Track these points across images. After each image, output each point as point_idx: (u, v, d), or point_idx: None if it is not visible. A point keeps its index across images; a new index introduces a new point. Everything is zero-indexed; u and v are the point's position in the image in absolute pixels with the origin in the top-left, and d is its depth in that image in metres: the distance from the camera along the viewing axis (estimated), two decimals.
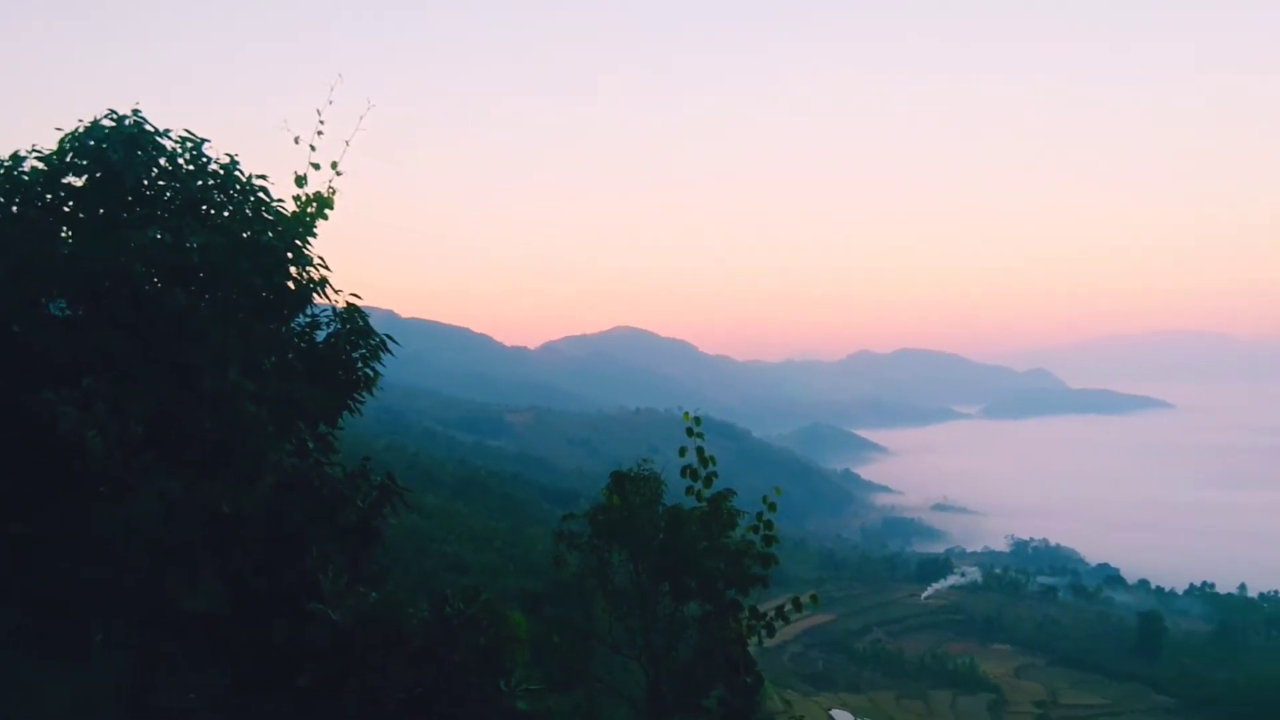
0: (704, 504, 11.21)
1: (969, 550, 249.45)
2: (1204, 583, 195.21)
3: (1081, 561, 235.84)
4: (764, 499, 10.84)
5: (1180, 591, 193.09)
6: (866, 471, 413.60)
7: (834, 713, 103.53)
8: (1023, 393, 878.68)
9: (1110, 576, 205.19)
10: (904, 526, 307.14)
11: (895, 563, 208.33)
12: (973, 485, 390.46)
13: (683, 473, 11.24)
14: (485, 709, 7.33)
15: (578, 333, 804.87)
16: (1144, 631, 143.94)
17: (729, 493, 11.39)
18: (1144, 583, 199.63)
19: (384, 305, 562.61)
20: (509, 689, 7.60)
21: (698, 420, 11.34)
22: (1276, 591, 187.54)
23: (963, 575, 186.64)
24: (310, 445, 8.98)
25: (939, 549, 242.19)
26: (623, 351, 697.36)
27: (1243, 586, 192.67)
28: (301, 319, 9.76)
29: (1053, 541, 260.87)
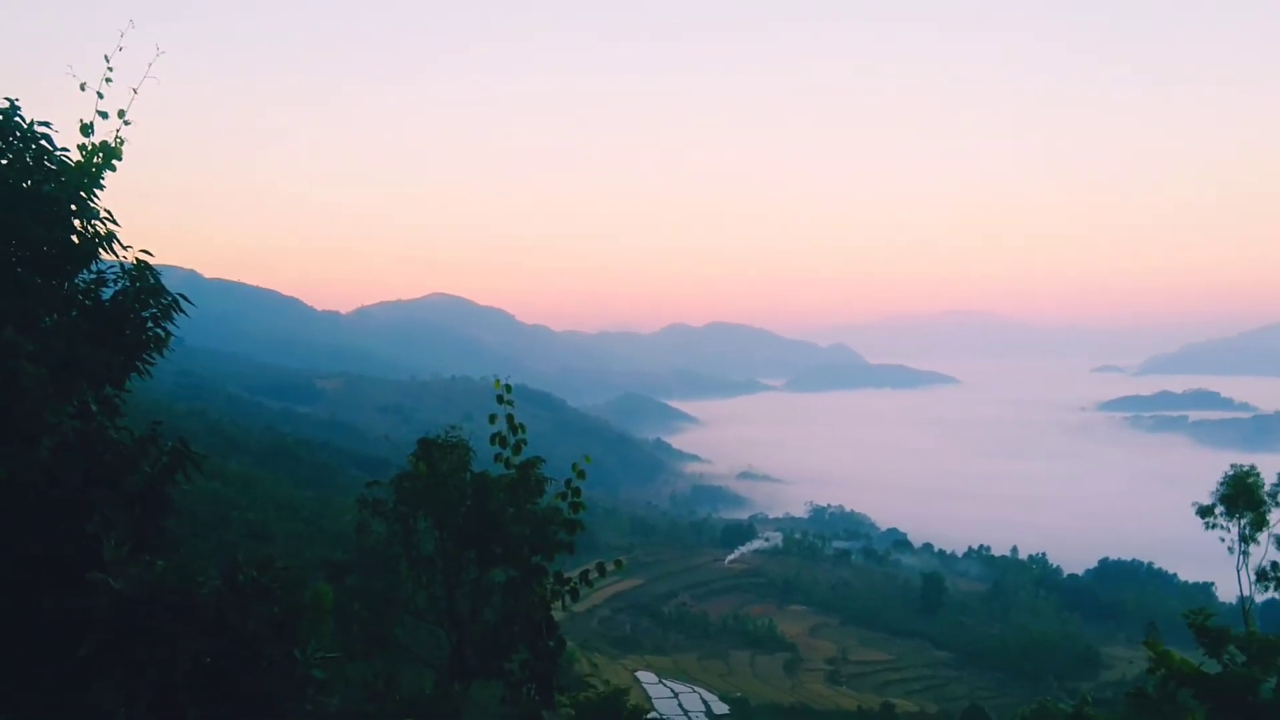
0: (513, 471, 11.28)
1: (771, 516, 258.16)
2: (981, 546, 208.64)
3: (874, 526, 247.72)
4: (573, 466, 11.01)
5: (960, 554, 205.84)
6: (678, 441, 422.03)
7: (639, 674, 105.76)
8: (825, 367, 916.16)
9: (899, 540, 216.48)
10: (712, 494, 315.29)
11: (702, 529, 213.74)
12: (777, 454, 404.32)
13: (492, 440, 11.27)
14: (279, 678, 7.19)
15: (392, 298, 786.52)
16: (926, 591, 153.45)
17: (538, 460, 11.50)
18: (928, 546, 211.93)
19: (186, 264, 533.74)
20: (304, 658, 7.47)
21: (509, 388, 11.38)
22: (1044, 553, 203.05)
23: (766, 540, 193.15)
24: (94, 408, 8.50)
25: (744, 515, 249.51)
26: (439, 318, 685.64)
27: (1014, 549, 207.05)
28: (86, 275, 9.20)
29: (848, 508, 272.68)
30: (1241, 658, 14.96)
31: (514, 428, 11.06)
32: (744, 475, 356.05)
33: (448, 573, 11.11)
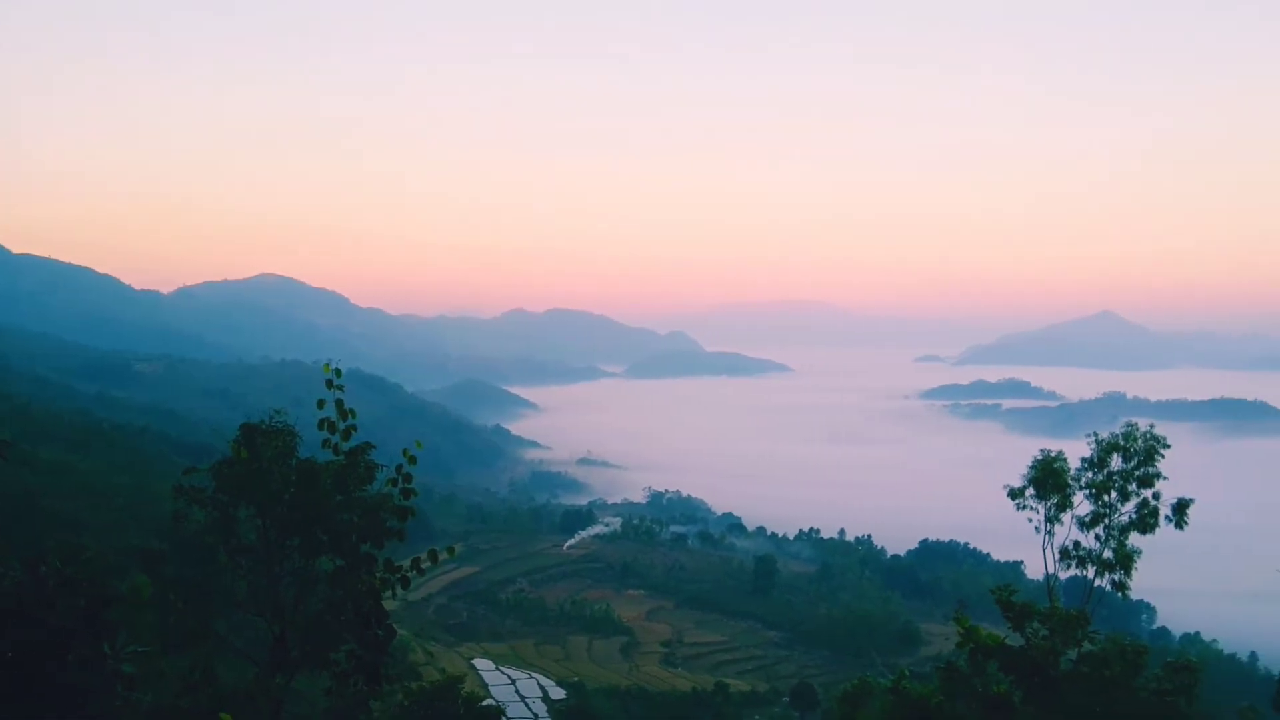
0: (341, 457, 11.03)
1: (610, 502, 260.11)
2: (811, 528, 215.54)
3: (710, 511, 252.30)
4: (404, 452, 10.83)
5: (792, 537, 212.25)
6: (517, 427, 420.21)
7: (475, 662, 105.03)
8: (664, 354, 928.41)
9: (733, 524, 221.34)
10: (551, 480, 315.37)
11: (541, 515, 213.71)
12: (616, 441, 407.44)
13: (320, 425, 10.98)
14: (86, 672, 6.86)
15: (218, 278, 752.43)
16: (759, 573, 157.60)
17: (367, 446, 11.27)
18: (762, 529, 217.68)
19: None
20: (113, 651, 7.14)
21: (338, 372, 11.11)
22: (869, 535, 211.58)
23: (606, 526, 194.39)
24: None
25: (583, 501, 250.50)
26: (269, 300, 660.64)
27: (842, 531, 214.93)
28: None
29: (685, 493, 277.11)
30: (1044, 631, 16.00)
31: (343, 413, 10.81)
32: (584, 462, 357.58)
33: (269, 562, 10.79)
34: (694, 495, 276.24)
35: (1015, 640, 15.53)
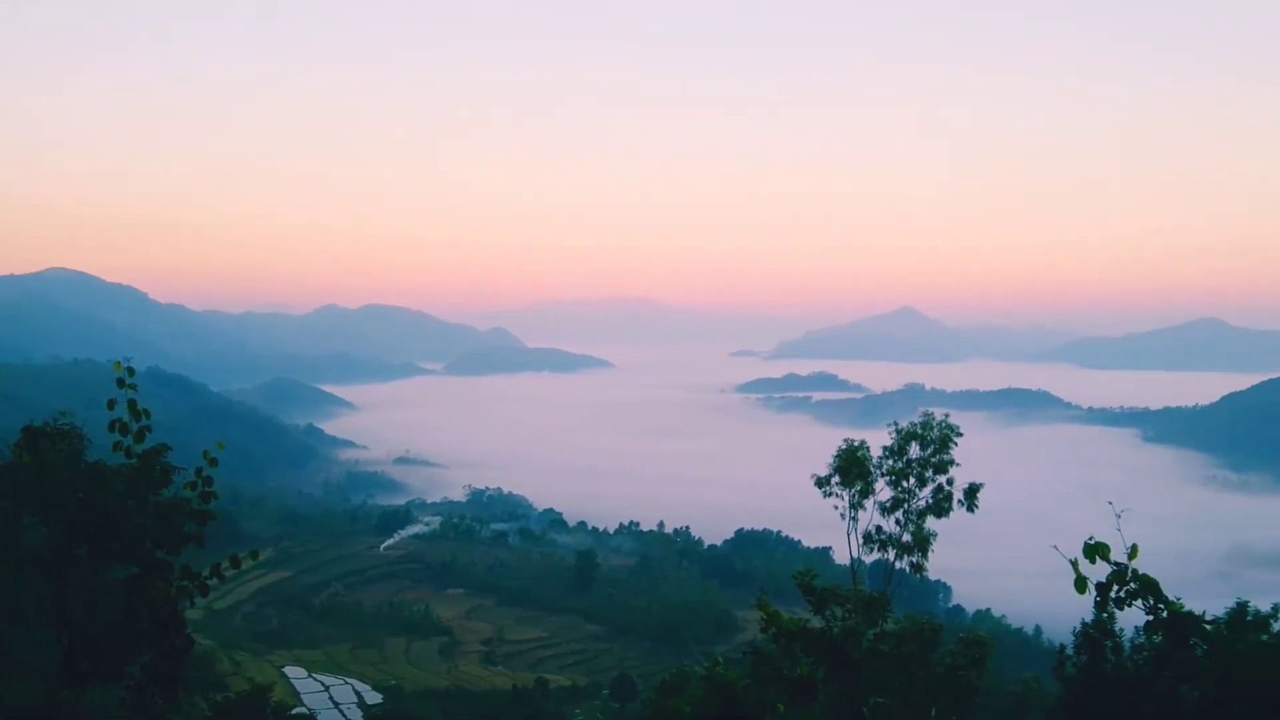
0: (134, 460, 10.48)
1: (429, 501, 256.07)
2: (632, 522, 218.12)
3: (531, 507, 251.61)
4: (205, 454, 10.38)
5: (613, 531, 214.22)
6: (331, 427, 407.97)
7: (287, 670, 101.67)
8: (484, 351, 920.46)
9: (555, 520, 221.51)
10: (367, 480, 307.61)
11: (357, 516, 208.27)
12: (435, 439, 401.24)
13: (110, 427, 10.40)
14: None
15: (3, 272, 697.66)
16: (579, 568, 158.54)
17: (163, 448, 10.73)
18: (583, 524, 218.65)
19: None
20: None
21: (131, 370, 10.53)
22: (688, 527, 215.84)
23: (425, 525, 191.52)
24: None
25: (401, 501, 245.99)
26: (59, 296, 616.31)
27: (662, 524, 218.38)
28: None
29: (506, 490, 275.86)
30: (840, 612, 16.78)
31: (136, 414, 10.25)
32: (401, 460, 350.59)
33: (56, 571, 10.15)
34: (515, 492, 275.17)
35: (818, 623, 16.21)
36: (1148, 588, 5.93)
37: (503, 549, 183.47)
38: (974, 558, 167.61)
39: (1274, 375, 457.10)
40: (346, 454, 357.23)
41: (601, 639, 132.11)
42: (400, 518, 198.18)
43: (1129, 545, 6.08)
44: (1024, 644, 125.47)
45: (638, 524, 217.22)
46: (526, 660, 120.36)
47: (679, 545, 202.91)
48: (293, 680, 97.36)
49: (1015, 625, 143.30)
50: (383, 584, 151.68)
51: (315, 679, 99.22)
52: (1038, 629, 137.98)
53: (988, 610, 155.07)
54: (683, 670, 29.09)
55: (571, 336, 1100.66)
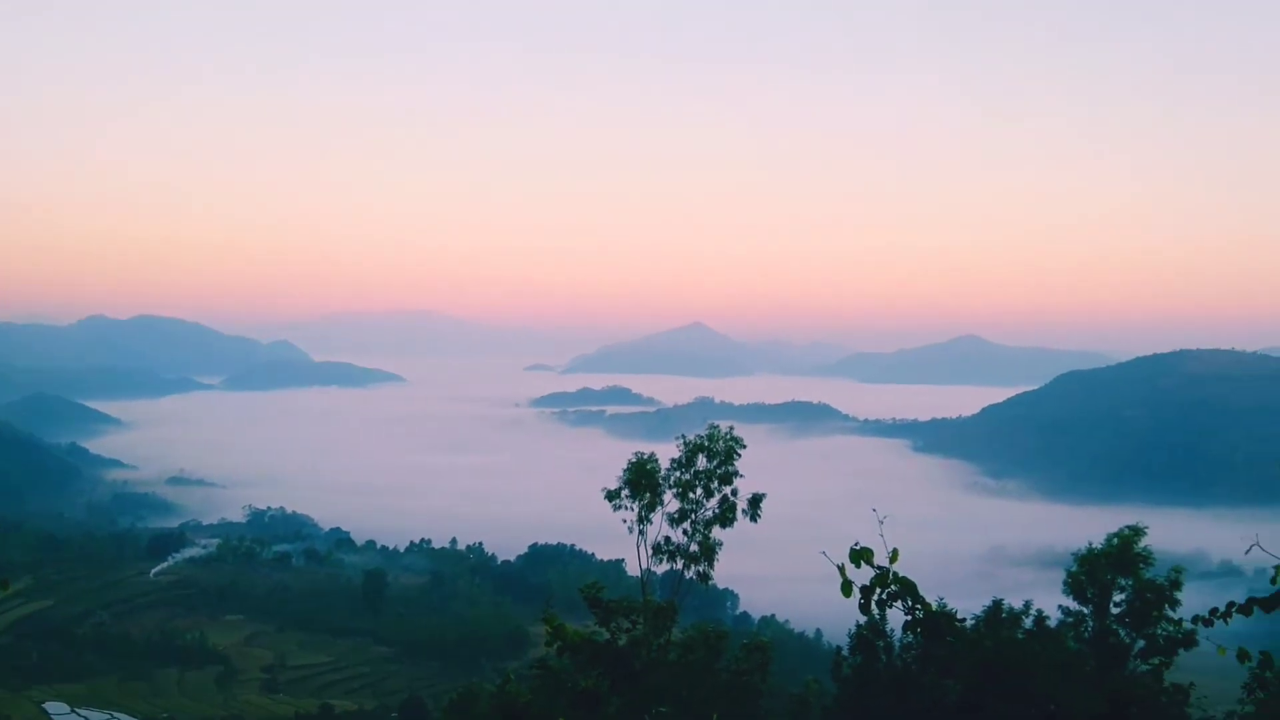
0: None
1: (206, 523, 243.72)
2: (423, 539, 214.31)
3: (317, 527, 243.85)
4: None
5: (403, 549, 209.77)
6: (97, 445, 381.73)
7: (47, 706, 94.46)
8: (267, 364, 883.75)
9: (341, 540, 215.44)
10: (136, 502, 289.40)
11: (125, 540, 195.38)
12: (213, 458, 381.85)
13: None
14: None
15: None
16: (368, 589, 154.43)
17: None
18: (372, 543, 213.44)
19: None
20: None
21: None
22: (480, 543, 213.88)
23: (203, 548, 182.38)
24: None
25: (174, 523, 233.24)
26: None
27: (454, 540, 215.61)
28: None
29: (290, 510, 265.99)
30: (625, 623, 17.05)
31: None
32: (175, 480, 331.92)
33: None
34: (300, 511, 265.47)
35: (604, 635, 16.43)
36: (906, 590, 6.32)
37: (286, 571, 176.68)
38: (759, 565, 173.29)
39: (1026, 389, 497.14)
40: (114, 474, 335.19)
41: (391, 660, 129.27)
42: (173, 541, 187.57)
43: (891, 550, 6.45)
44: (806, 647, 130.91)
45: (429, 541, 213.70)
46: (311, 686, 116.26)
47: (472, 562, 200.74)
48: (54, 716, 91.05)
49: (798, 629, 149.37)
50: (153, 612, 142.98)
51: (79, 714, 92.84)
52: (818, 632, 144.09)
53: (772, 616, 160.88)
54: (472, 688, 28.84)
55: (361, 350, 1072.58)
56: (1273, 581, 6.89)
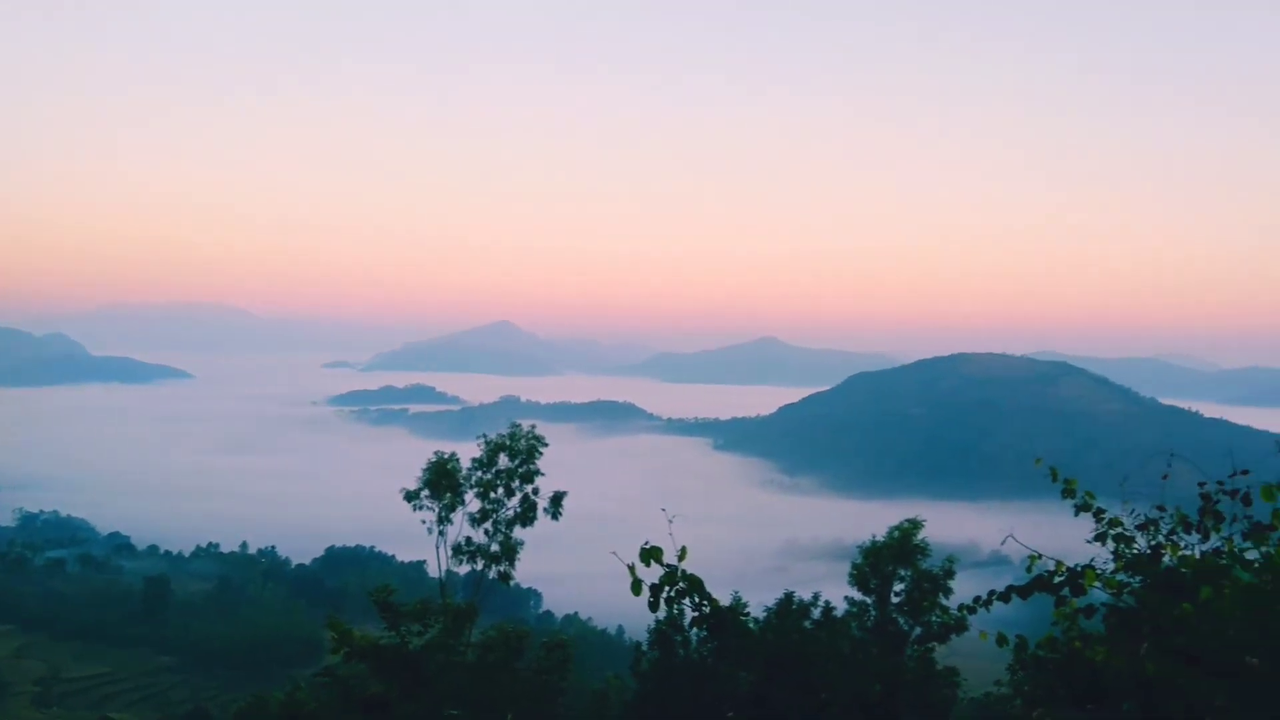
0: None
1: None
2: (211, 544, 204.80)
3: (94, 531, 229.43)
4: None
5: (189, 554, 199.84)
6: None
7: None
8: (39, 358, 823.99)
9: (121, 544, 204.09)
10: None
11: None
12: None
13: None
14: None
15: None
16: (149, 596, 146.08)
17: None
18: (154, 548, 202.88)
19: None
20: None
21: None
22: (274, 547, 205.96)
23: None
24: None
25: None
26: None
27: (245, 544, 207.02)
28: None
29: (64, 513, 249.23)
30: (417, 627, 16.79)
31: None
32: None
33: None
34: (75, 515, 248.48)
35: (394, 639, 16.13)
36: (693, 586, 6.50)
37: (59, 578, 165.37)
38: (563, 564, 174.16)
39: (820, 389, 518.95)
40: None
41: (176, 670, 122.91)
42: None
43: (680, 548, 6.61)
44: (608, 644, 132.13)
45: (218, 545, 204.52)
46: (88, 699, 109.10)
47: (264, 566, 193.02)
48: None
49: (600, 626, 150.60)
50: None
51: None
52: (620, 629, 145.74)
53: (575, 614, 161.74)
54: (261, 698, 27.72)
55: (144, 344, 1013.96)
56: (1028, 570, 7.46)
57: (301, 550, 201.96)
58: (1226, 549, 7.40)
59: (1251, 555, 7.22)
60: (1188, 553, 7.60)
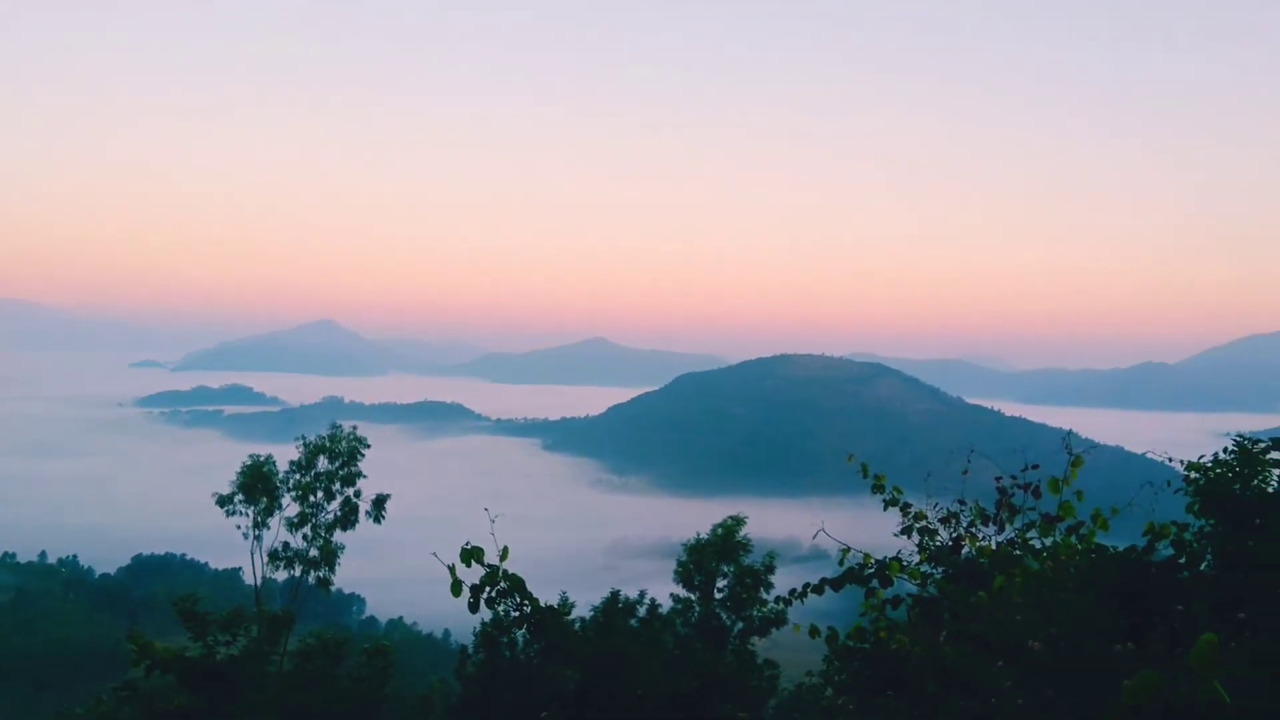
0: None
1: None
2: (5, 553, 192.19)
3: None
4: None
5: None
6: None
7: None
8: None
9: None
10: None
11: None
12: None
13: None
14: None
15: None
16: None
17: None
18: None
19: None
20: None
21: None
22: (75, 555, 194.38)
23: None
24: None
25: None
26: None
27: (43, 554, 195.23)
28: None
29: None
30: (224, 637, 16.13)
31: None
32: None
33: None
34: None
35: (200, 650, 15.47)
36: (515, 587, 6.46)
37: None
38: (387, 568, 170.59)
39: (649, 389, 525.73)
40: None
41: None
42: None
43: (502, 548, 6.56)
44: (434, 648, 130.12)
45: (13, 555, 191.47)
46: None
47: (65, 576, 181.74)
48: None
49: (426, 630, 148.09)
50: None
51: None
52: (447, 632, 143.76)
53: (400, 618, 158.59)
54: (62, 715, 26.05)
55: None
56: (840, 564, 7.75)
57: (106, 559, 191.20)
58: (1020, 539, 7.90)
59: (1043, 545, 7.73)
60: (985, 544, 8.07)
